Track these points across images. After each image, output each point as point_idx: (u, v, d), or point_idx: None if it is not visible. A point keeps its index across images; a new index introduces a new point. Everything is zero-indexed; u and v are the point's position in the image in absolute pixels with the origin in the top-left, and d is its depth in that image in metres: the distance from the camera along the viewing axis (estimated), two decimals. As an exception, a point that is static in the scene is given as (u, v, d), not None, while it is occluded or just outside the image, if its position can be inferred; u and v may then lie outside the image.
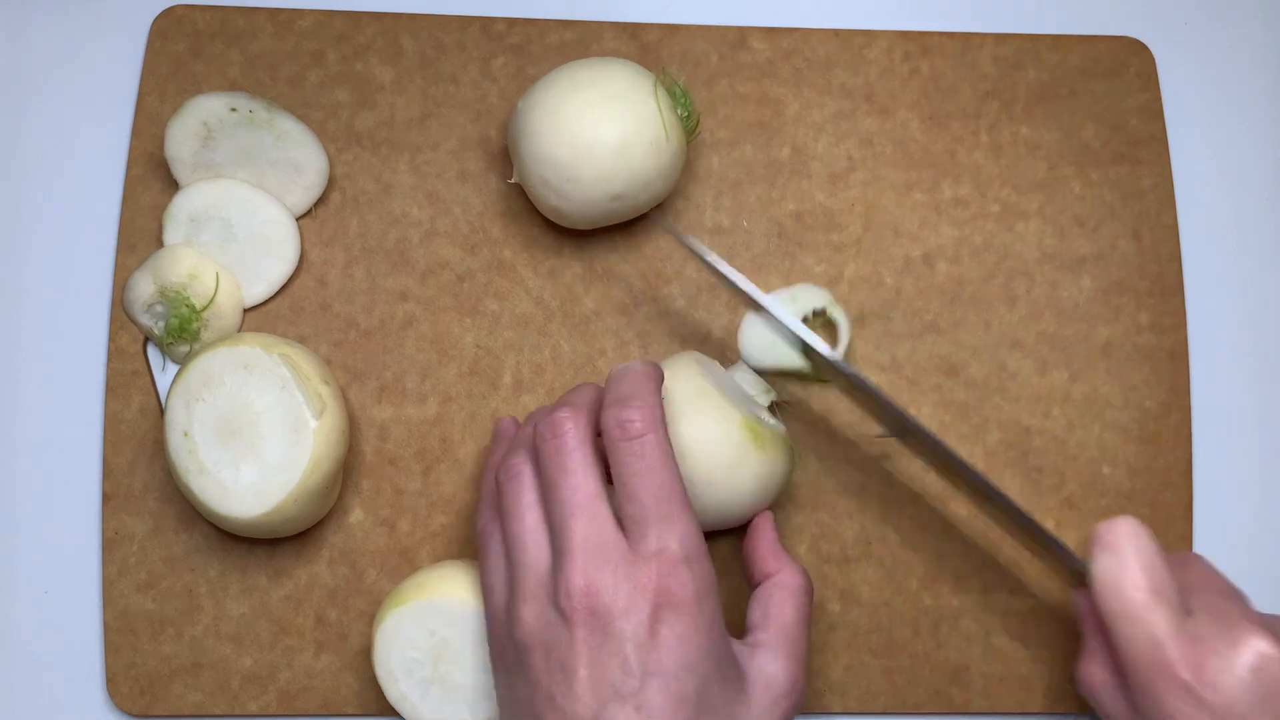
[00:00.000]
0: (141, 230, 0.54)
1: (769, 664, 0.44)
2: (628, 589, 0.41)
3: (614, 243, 0.55)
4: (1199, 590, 0.47)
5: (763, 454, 0.49)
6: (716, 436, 0.48)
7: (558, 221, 0.53)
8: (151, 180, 0.54)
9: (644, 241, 0.55)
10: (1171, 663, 0.44)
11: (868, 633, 0.53)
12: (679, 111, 0.52)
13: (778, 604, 0.46)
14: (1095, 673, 0.48)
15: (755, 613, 0.46)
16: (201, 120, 0.53)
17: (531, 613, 0.43)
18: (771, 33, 0.57)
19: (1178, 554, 0.49)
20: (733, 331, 0.55)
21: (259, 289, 0.54)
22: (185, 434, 0.49)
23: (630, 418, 0.44)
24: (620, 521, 0.43)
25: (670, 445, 0.44)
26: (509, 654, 0.44)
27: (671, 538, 0.42)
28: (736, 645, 0.44)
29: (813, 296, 0.54)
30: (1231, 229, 0.58)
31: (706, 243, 0.55)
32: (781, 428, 0.51)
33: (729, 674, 0.43)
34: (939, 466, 0.50)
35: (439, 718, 0.48)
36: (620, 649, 0.41)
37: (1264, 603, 0.55)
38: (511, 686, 0.44)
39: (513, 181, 0.53)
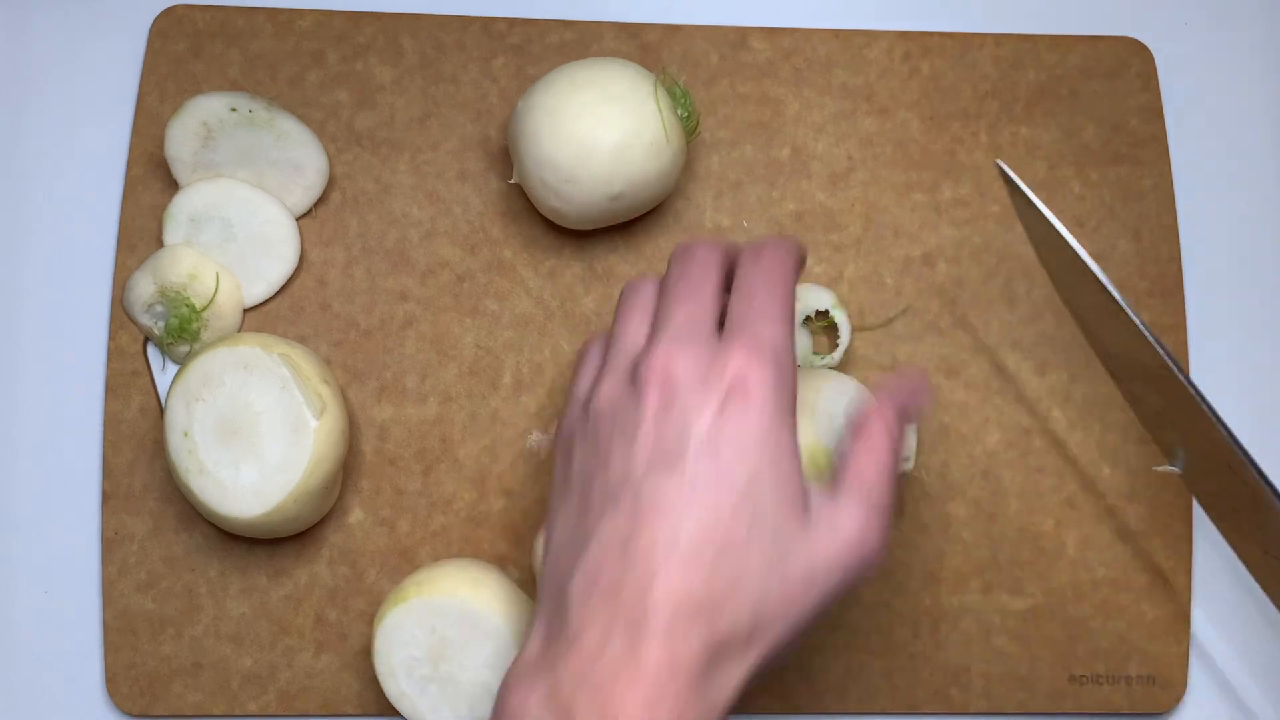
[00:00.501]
0: (141, 230, 0.54)
1: (840, 510, 0.42)
2: (705, 367, 0.41)
3: (614, 243, 0.55)
4: None
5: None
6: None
7: (558, 222, 0.53)
8: (151, 180, 0.54)
9: (644, 241, 0.55)
10: None
11: (867, 633, 0.53)
12: (679, 112, 0.52)
13: (855, 455, 0.44)
14: None
15: (846, 461, 0.44)
16: (201, 120, 0.53)
17: (611, 384, 0.43)
18: (772, 33, 0.57)
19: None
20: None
21: (259, 289, 0.54)
22: (185, 434, 0.49)
23: (769, 251, 0.44)
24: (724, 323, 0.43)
25: (794, 279, 0.44)
26: (580, 428, 0.43)
27: (766, 332, 0.41)
28: (813, 487, 0.42)
29: (816, 297, 0.53)
30: (1231, 230, 0.58)
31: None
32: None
33: (788, 493, 0.41)
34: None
35: (438, 716, 0.48)
36: (682, 420, 0.40)
37: (1265, 602, 0.55)
38: (570, 460, 0.43)
39: (513, 182, 0.53)
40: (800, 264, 0.45)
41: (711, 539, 0.39)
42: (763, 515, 0.40)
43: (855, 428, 0.44)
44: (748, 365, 0.40)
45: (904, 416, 0.45)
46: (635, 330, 0.44)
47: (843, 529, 0.41)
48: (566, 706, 0.38)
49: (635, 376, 0.42)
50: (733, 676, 0.39)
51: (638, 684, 0.38)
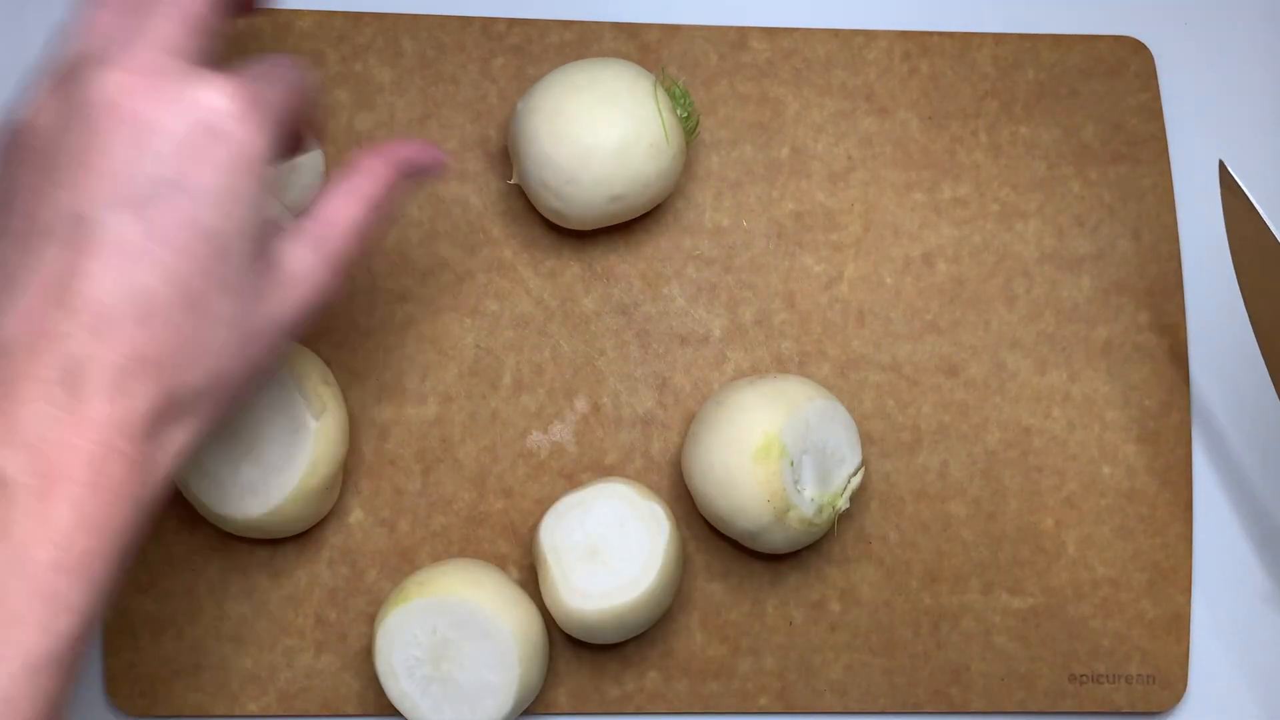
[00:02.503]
0: (141, 231, 0.54)
1: (297, 260, 0.40)
2: (186, 92, 0.35)
3: (614, 243, 0.55)
4: None
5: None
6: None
7: (557, 222, 0.53)
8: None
9: (644, 241, 0.55)
10: None
11: (868, 632, 0.53)
12: (679, 112, 0.52)
13: (334, 201, 0.41)
14: None
15: (315, 203, 0.41)
16: (201, 121, 0.53)
17: (53, 95, 0.36)
18: (771, 33, 0.57)
19: None
20: (732, 332, 0.55)
21: (259, 289, 0.54)
22: (185, 434, 0.49)
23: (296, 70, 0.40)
24: None
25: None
26: (12, 141, 0.37)
27: (268, 88, 0.37)
28: (275, 229, 0.40)
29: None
30: (1231, 229, 0.58)
31: (706, 243, 0.55)
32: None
33: (254, 248, 0.38)
34: None
35: (439, 716, 0.48)
36: (153, 149, 0.35)
37: (1265, 602, 0.55)
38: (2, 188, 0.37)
39: (512, 183, 0.53)
40: (306, 73, 0.41)
41: (172, 292, 0.35)
42: (228, 270, 0.36)
43: (343, 169, 0.41)
44: (233, 104, 0.36)
45: (404, 172, 0.42)
46: (97, 34, 0.37)
47: (300, 280, 0.39)
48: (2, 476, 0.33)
49: (89, 85, 0.35)
50: (181, 435, 0.37)
51: (81, 443, 0.34)
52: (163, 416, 0.36)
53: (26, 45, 0.57)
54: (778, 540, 0.50)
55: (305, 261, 0.40)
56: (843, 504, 0.51)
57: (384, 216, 0.43)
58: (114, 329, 0.35)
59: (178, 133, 0.35)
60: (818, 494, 0.50)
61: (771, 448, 0.49)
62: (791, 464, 0.49)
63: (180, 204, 0.35)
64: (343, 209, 0.41)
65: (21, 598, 0.33)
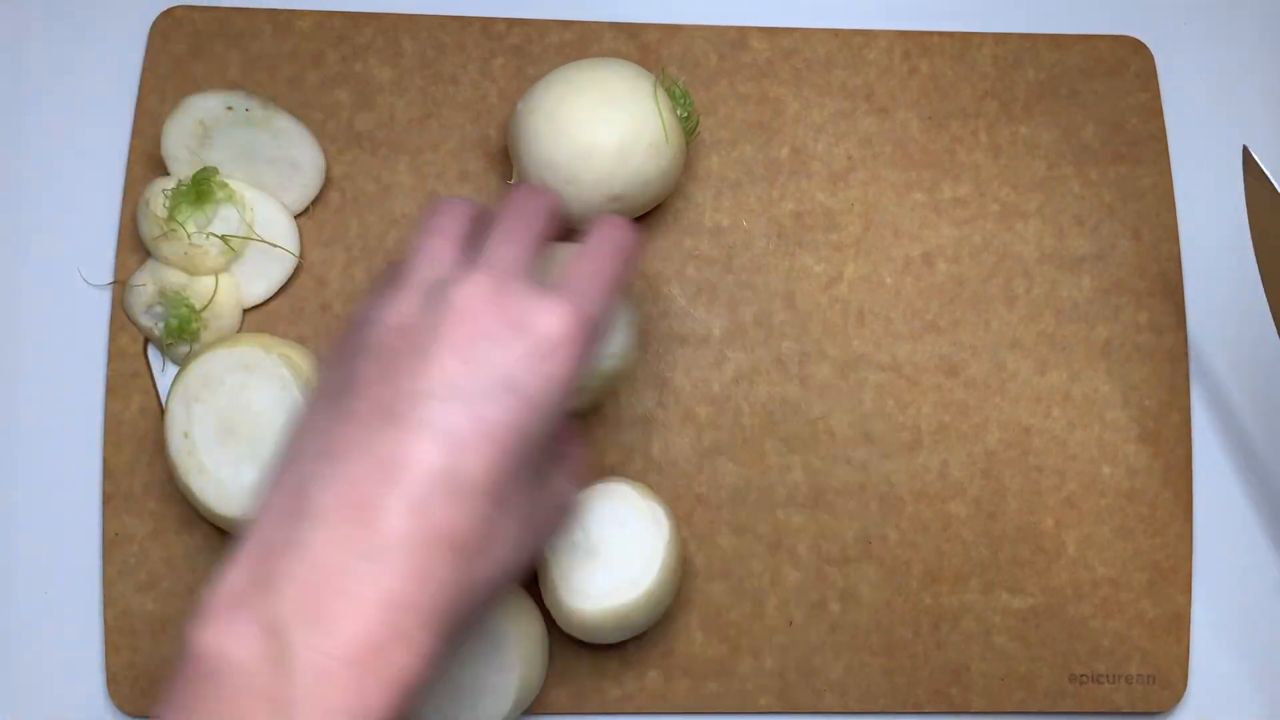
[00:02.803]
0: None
1: (565, 485, 0.45)
2: (519, 311, 0.39)
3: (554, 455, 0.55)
4: None
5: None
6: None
7: None
8: (151, 180, 0.54)
9: (644, 241, 0.55)
10: None
11: (868, 632, 0.53)
12: (679, 112, 0.52)
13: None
14: None
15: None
16: (198, 119, 0.53)
17: (410, 301, 0.40)
18: (771, 33, 0.57)
19: None
20: (733, 332, 0.55)
21: (259, 289, 0.54)
22: (185, 435, 0.49)
23: (621, 225, 0.44)
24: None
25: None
26: (364, 340, 0.40)
27: (592, 301, 0.41)
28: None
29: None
30: (1231, 228, 0.57)
31: (706, 243, 0.55)
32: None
33: (548, 456, 0.42)
34: None
35: (439, 716, 0.48)
36: (486, 355, 0.38)
37: (1266, 602, 0.55)
38: (336, 370, 0.40)
39: (512, 183, 0.53)
40: (638, 251, 0.45)
41: (485, 482, 0.37)
42: (527, 470, 0.39)
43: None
44: (568, 334, 0.39)
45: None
46: (441, 254, 0.42)
47: (561, 504, 0.44)
48: (281, 639, 0.34)
49: (443, 296, 0.39)
50: (462, 629, 0.38)
51: (373, 618, 0.35)
52: (452, 606, 0.37)
53: (27, 46, 0.57)
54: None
55: (561, 485, 0.44)
56: (596, 381, 0.50)
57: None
58: (429, 505, 0.37)
59: (515, 346, 0.39)
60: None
61: None
62: None
63: (509, 405, 0.38)
64: (576, 453, 0.46)
65: None
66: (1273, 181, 0.47)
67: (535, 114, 0.51)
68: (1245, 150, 0.48)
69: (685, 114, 0.53)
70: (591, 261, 0.42)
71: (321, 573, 0.35)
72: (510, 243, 0.41)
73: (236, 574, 0.36)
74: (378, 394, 0.38)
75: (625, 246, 0.44)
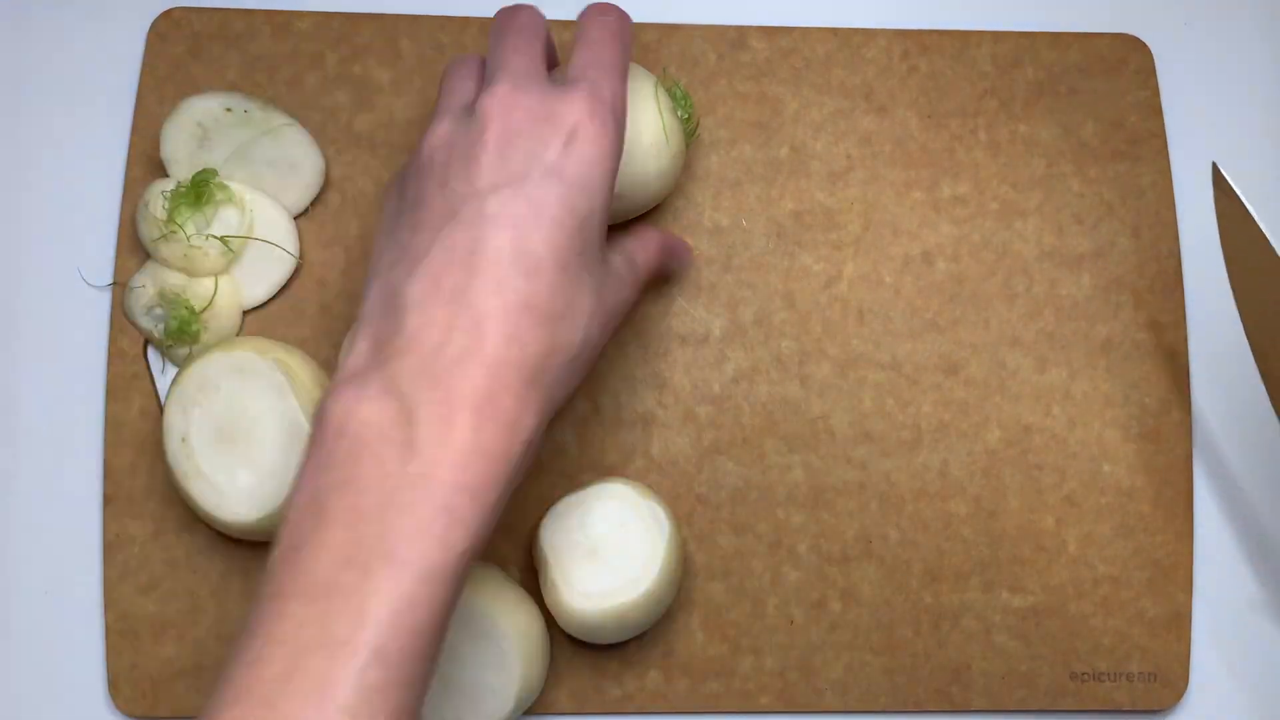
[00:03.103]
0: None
1: (623, 264, 0.48)
2: (546, 110, 0.43)
3: (614, 242, 0.55)
4: None
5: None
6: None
7: None
8: (151, 181, 0.54)
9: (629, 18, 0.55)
10: None
11: (868, 631, 0.53)
12: (679, 114, 0.52)
13: (637, 240, 0.50)
14: None
15: (621, 238, 0.50)
16: (197, 121, 0.53)
17: (445, 124, 0.44)
18: (770, 32, 0.57)
19: None
20: (733, 331, 0.55)
21: (259, 290, 0.54)
22: (183, 439, 0.49)
23: (614, 12, 0.47)
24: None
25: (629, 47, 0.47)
26: (414, 168, 0.44)
27: (606, 87, 0.44)
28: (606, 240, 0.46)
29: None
30: (1231, 226, 0.58)
31: (706, 243, 0.55)
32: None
33: (602, 237, 0.45)
34: None
35: (439, 717, 0.48)
36: (526, 149, 0.42)
37: (1266, 602, 0.55)
38: (401, 197, 0.45)
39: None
40: (629, 27, 0.48)
41: (554, 256, 0.41)
42: (588, 248, 0.43)
43: (636, 232, 0.51)
44: (590, 114, 0.43)
45: (671, 251, 0.53)
46: (463, 86, 0.47)
47: (622, 281, 0.47)
48: (403, 399, 0.39)
49: (474, 112, 0.43)
50: (557, 389, 0.42)
51: (479, 375, 0.39)
52: (545, 363, 0.41)
53: (27, 46, 0.57)
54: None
55: (623, 268, 0.48)
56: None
57: (661, 268, 0.52)
58: (508, 283, 0.40)
59: (545, 136, 0.42)
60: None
61: None
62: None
63: (553, 186, 0.42)
64: (642, 248, 0.50)
65: (427, 511, 0.37)
66: (1240, 197, 0.47)
67: None
68: (1215, 167, 0.48)
69: (685, 115, 0.53)
70: (591, 50, 0.45)
71: (428, 347, 0.40)
72: (518, 53, 0.45)
73: (354, 359, 0.41)
74: (439, 201, 0.42)
75: (617, 29, 0.47)
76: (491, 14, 0.56)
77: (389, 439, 0.38)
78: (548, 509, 0.51)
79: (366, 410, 0.39)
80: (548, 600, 0.50)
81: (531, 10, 0.47)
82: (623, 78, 0.45)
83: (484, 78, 0.46)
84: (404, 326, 0.40)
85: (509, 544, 0.53)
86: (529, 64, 0.45)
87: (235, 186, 0.53)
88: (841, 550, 0.54)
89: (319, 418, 0.40)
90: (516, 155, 0.42)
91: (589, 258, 0.43)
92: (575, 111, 0.43)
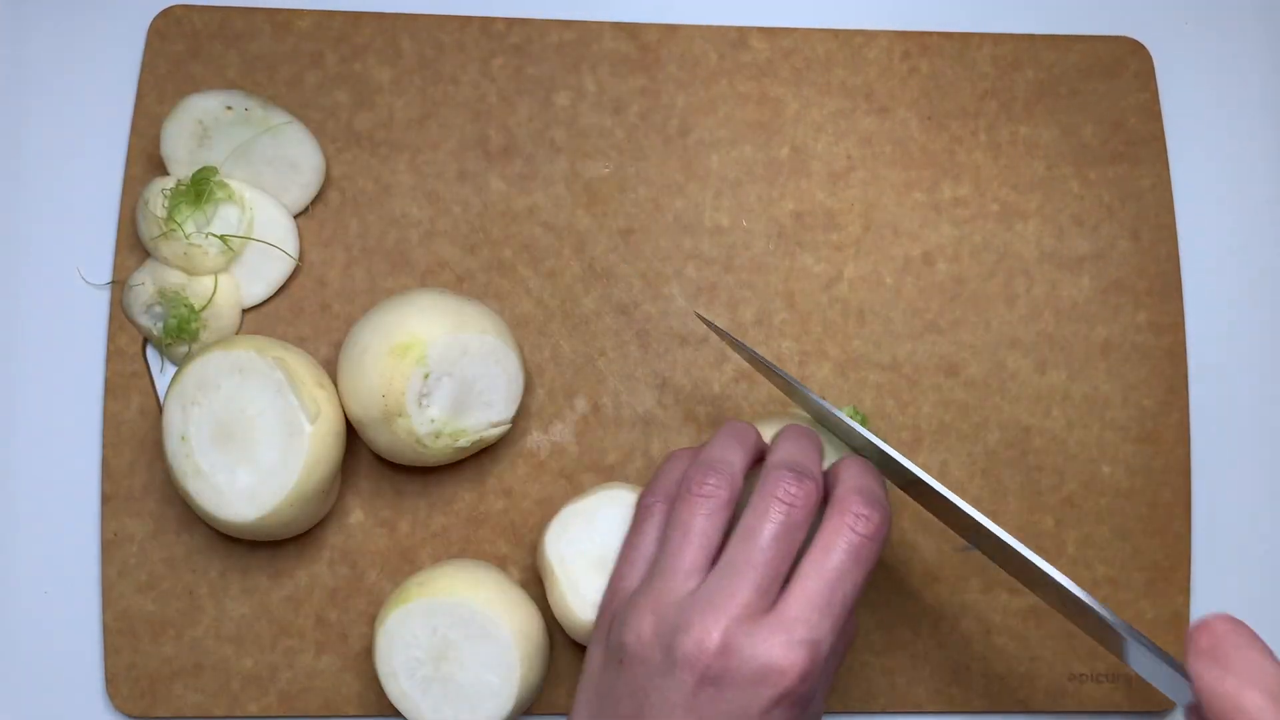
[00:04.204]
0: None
1: None
2: (758, 669, 0.41)
3: (614, 242, 0.55)
4: None
5: None
6: None
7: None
8: (151, 179, 0.54)
9: (644, 242, 0.55)
10: None
11: (868, 632, 0.53)
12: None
13: None
14: None
15: None
16: (196, 119, 0.53)
17: (649, 625, 0.43)
18: (771, 32, 0.57)
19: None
20: (733, 332, 0.55)
21: (258, 289, 0.54)
22: (182, 438, 0.49)
23: (869, 514, 0.44)
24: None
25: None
26: (613, 641, 0.44)
27: (826, 633, 0.42)
28: None
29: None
30: (1230, 228, 0.58)
31: (706, 243, 0.55)
32: None
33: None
34: (1012, 568, 0.47)
35: (439, 716, 0.48)
36: (728, 709, 0.41)
37: (1265, 600, 0.55)
38: (603, 667, 0.45)
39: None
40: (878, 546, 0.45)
41: None
42: None
43: None
44: (805, 670, 0.41)
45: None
46: (690, 560, 0.44)
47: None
48: None
49: (679, 638, 0.42)
50: None
51: None
52: None
53: (27, 45, 0.57)
54: (381, 441, 0.50)
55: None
56: (464, 443, 0.50)
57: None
58: None
59: (751, 698, 0.41)
60: (441, 419, 0.50)
61: (412, 349, 0.49)
62: (426, 376, 0.49)
63: None
64: None
65: None
66: (733, 337, 0.50)
67: None
68: (699, 317, 0.51)
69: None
70: (830, 577, 0.43)
71: None
72: (751, 583, 0.43)
73: None
74: (633, 709, 0.42)
75: (871, 552, 0.44)
76: (493, 13, 0.56)
77: None
78: (548, 510, 0.51)
79: None
80: (556, 611, 0.49)
81: (809, 498, 0.44)
82: (847, 612, 0.43)
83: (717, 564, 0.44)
84: None
85: (509, 544, 0.53)
86: (760, 599, 0.43)
87: (235, 185, 0.53)
88: (841, 551, 0.54)
89: None
90: (716, 713, 0.41)
91: None
92: (790, 675, 0.41)
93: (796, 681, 0.41)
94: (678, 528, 0.45)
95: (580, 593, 0.49)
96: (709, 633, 0.41)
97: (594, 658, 0.46)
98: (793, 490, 0.44)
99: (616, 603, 0.46)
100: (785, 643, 0.42)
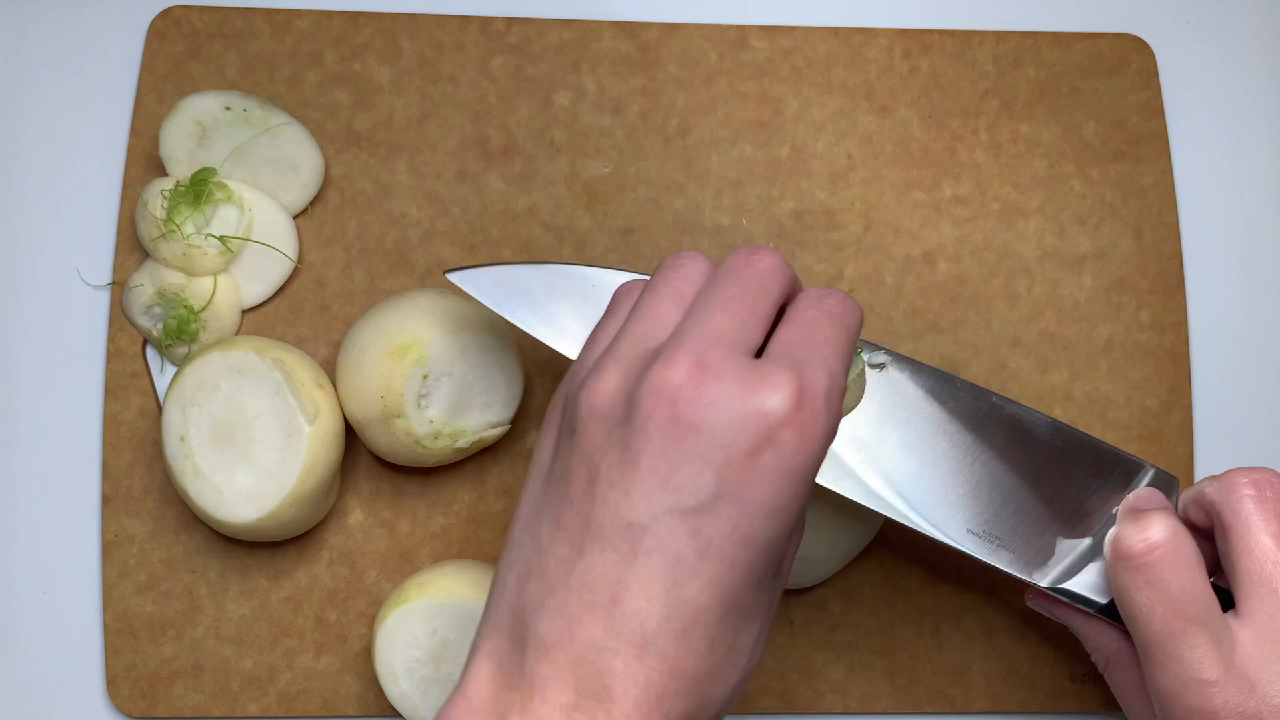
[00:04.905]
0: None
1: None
2: (740, 398, 0.34)
3: (614, 243, 0.55)
4: (1242, 559, 0.41)
5: None
6: None
7: None
8: (150, 180, 0.54)
9: (643, 242, 0.55)
10: (1217, 712, 0.39)
11: (869, 632, 0.53)
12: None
13: None
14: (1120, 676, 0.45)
15: None
16: (196, 119, 0.53)
17: (614, 378, 0.35)
18: (771, 31, 0.57)
19: (1211, 488, 0.43)
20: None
21: (257, 289, 0.54)
22: (182, 439, 0.49)
23: (835, 295, 0.38)
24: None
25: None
26: (567, 415, 0.36)
27: (823, 374, 0.35)
28: None
29: None
30: (1232, 227, 0.57)
31: (706, 243, 0.55)
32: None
33: (788, 546, 0.36)
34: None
35: None
36: (703, 455, 0.33)
37: (1266, 602, 0.55)
38: (555, 452, 0.37)
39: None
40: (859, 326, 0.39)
41: (716, 606, 0.34)
42: (765, 574, 0.35)
43: None
44: (793, 411, 0.34)
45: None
46: (663, 312, 0.37)
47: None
48: None
49: (644, 382, 0.34)
50: None
51: None
52: None
53: (27, 45, 0.57)
54: (381, 442, 0.50)
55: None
56: (464, 443, 0.50)
57: None
58: (656, 646, 0.33)
59: (730, 440, 0.33)
60: (441, 419, 0.49)
61: (411, 349, 0.48)
62: (425, 376, 0.49)
63: (731, 515, 0.34)
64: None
65: None
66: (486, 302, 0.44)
67: None
68: (448, 277, 0.45)
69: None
70: (803, 329, 0.37)
71: (551, 706, 0.33)
72: (728, 311, 0.36)
73: (479, 681, 0.35)
74: (585, 506, 0.34)
75: (841, 313, 0.38)
76: (493, 13, 0.56)
77: None
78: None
79: None
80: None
81: (776, 262, 0.38)
82: (843, 370, 0.36)
83: (688, 312, 0.37)
84: (527, 672, 0.34)
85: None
86: (737, 329, 0.36)
87: (234, 185, 0.53)
88: (842, 551, 0.54)
89: None
90: (688, 463, 0.33)
91: (767, 582, 0.35)
92: (775, 406, 0.34)
93: (786, 416, 0.34)
94: (651, 291, 0.38)
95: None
96: (677, 362, 0.34)
97: (544, 449, 0.37)
98: (762, 253, 0.38)
99: (575, 383, 0.37)
100: (767, 373, 0.34)
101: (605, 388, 0.35)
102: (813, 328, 0.36)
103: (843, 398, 0.36)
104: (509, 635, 0.35)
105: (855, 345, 0.38)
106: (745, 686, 0.37)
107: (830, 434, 0.35)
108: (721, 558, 0.33)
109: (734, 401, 0.34)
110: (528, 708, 0.33)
